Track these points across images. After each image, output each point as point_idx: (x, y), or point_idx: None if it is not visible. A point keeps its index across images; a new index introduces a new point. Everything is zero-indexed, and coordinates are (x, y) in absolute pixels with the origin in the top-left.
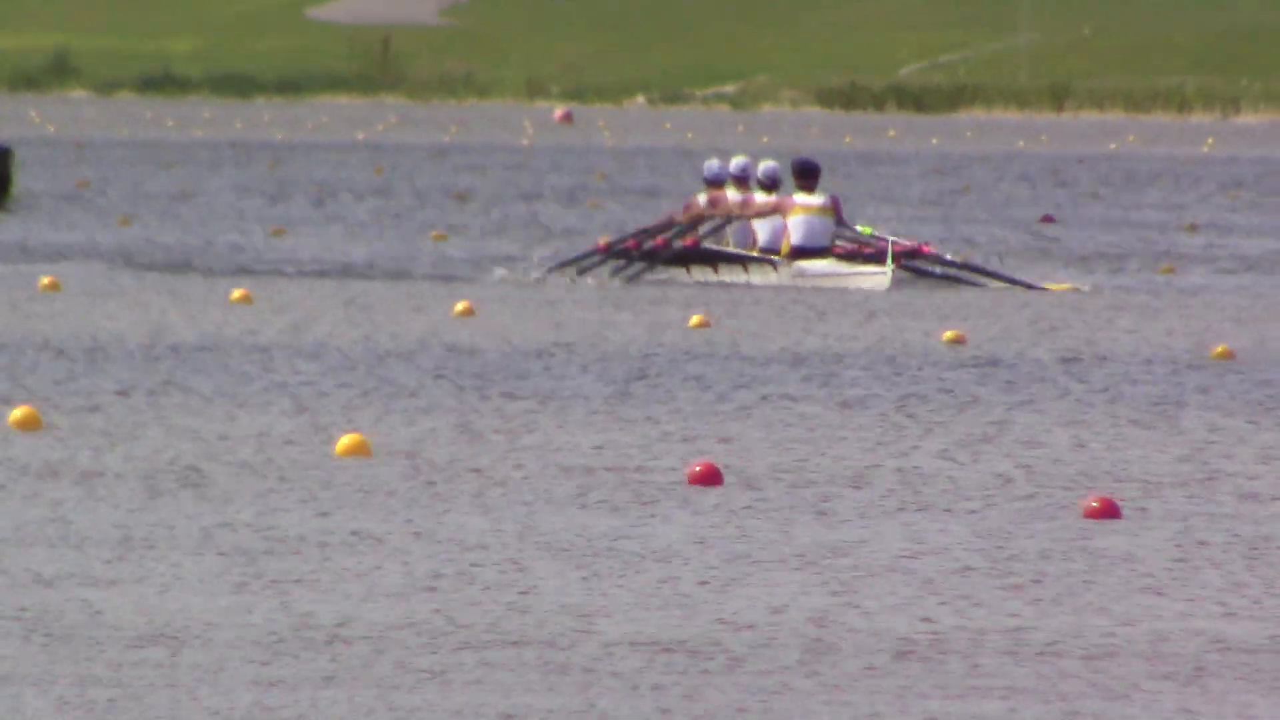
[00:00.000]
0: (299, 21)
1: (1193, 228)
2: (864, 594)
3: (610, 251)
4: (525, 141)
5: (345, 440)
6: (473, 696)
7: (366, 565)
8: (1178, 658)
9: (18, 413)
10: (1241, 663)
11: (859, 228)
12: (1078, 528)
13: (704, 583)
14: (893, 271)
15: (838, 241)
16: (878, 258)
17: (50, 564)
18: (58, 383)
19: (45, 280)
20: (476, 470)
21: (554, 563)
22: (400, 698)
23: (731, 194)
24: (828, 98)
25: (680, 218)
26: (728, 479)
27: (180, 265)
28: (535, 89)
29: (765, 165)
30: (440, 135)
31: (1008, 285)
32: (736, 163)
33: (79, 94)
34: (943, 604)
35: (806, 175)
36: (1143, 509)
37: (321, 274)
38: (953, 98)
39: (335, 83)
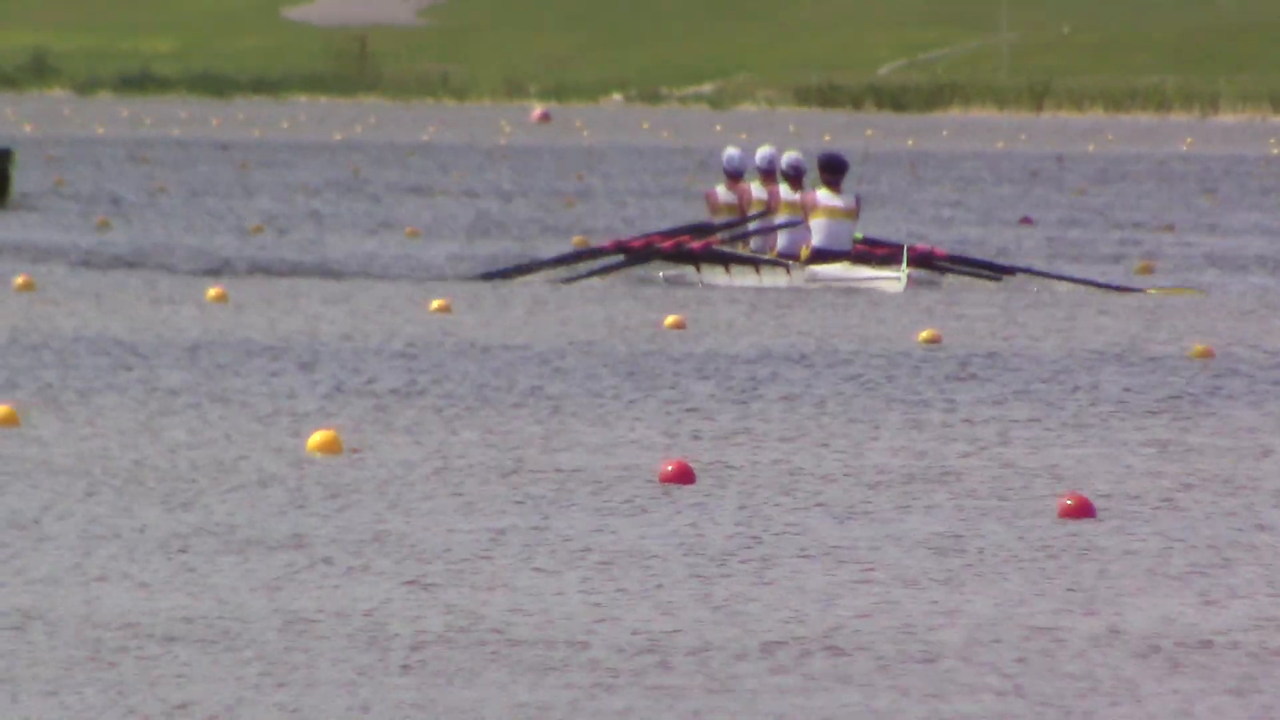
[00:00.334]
0: (276, 21)
1: (1169, 228)
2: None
3: (620, 250)
4: (502, 141)
5: (317, 437)
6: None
7: (339, 564)
8: (1156, 653)
9: None
10: (1215, 659)
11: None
12: (1053, 527)
13: (659, 586)
14: (908, 275)
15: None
16: (892, 260)
17: (41, 564)
18: (32, 378)
19: (19, 280)
20: (449, 469)
21: (521, 561)
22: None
23: (755, 188)
24: (805, 97)
25: (710, 213)
26: (701, 478)
27: (157, 264)
28: (513, 89)
29: (790, 156)
30: (418, 135)
31: (1032, 277)
32: (763, 154)
33: (58, 93)
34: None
35: (833, 170)
36: (1120, 508)
37: (297, 272)
38: (931, 97)
39: (312, 83)
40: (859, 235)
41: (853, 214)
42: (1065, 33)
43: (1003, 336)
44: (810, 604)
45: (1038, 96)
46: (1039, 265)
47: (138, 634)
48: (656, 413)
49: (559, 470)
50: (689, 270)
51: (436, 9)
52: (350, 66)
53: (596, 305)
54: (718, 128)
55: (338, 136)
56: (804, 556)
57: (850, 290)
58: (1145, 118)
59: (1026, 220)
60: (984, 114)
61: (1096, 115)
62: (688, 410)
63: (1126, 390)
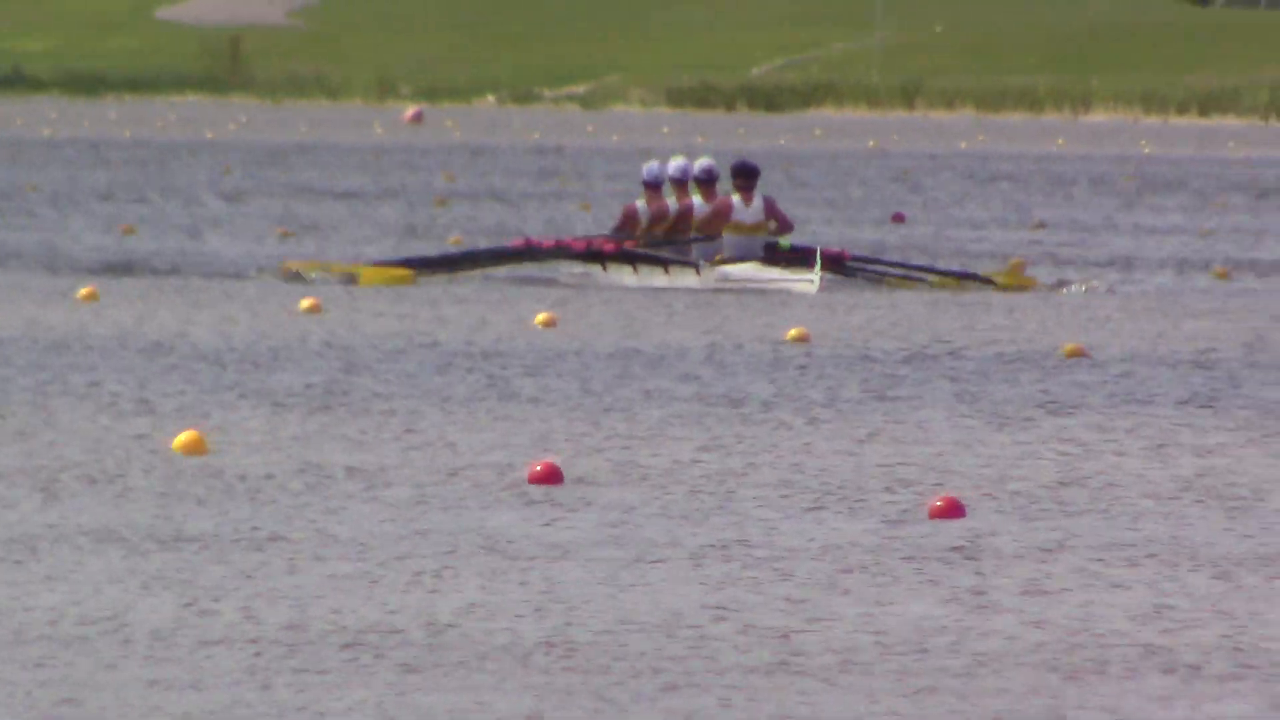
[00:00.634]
0: (150, 22)
1: (1040, 225)
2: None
3: (526, 250)
4: (375, 140)
5: (183, 438)
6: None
7: (196, 563)
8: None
9: None
10: (1124, 656)
11: (780, 241)
12: (924, 527)
13: (524, 583)
14: (820, 277)
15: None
16: (804, 262)
17: None
18: None
19: None
20: (315, 466)
21: (381, 557)
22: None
23: (671, 202)
24: (678, 98)
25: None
26: (568, 478)
27: (27, 263)
28: (385, 89)
29: (701, 162)
30: (290, 135)
31: (957, 280)
32: (675, 165)
33: None
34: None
35: (745, 175)
36: (990, 507)
37: (169, 272)
38: (804, 97)
39: (185, 83)
40: (786, 243)
41: (762, 228)
42: (937, 32)
43: (875, 333)
44: (657, 603)
45: (910, 96)
46: (923, 262)
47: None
48: (523, 411)
49: (417, 470)
50: (595, 270)
51: (309, 10)
52: (222, 67)
53: (469, 305)
54: (590, 129)
55: (210, 136)
56: (657, 562)
57: (758, 292)
58: (1017, 117)
59: (898, 217)
60: (857, 114)
61: (969, 114)
62: (551, 409)
63: (980, 385)
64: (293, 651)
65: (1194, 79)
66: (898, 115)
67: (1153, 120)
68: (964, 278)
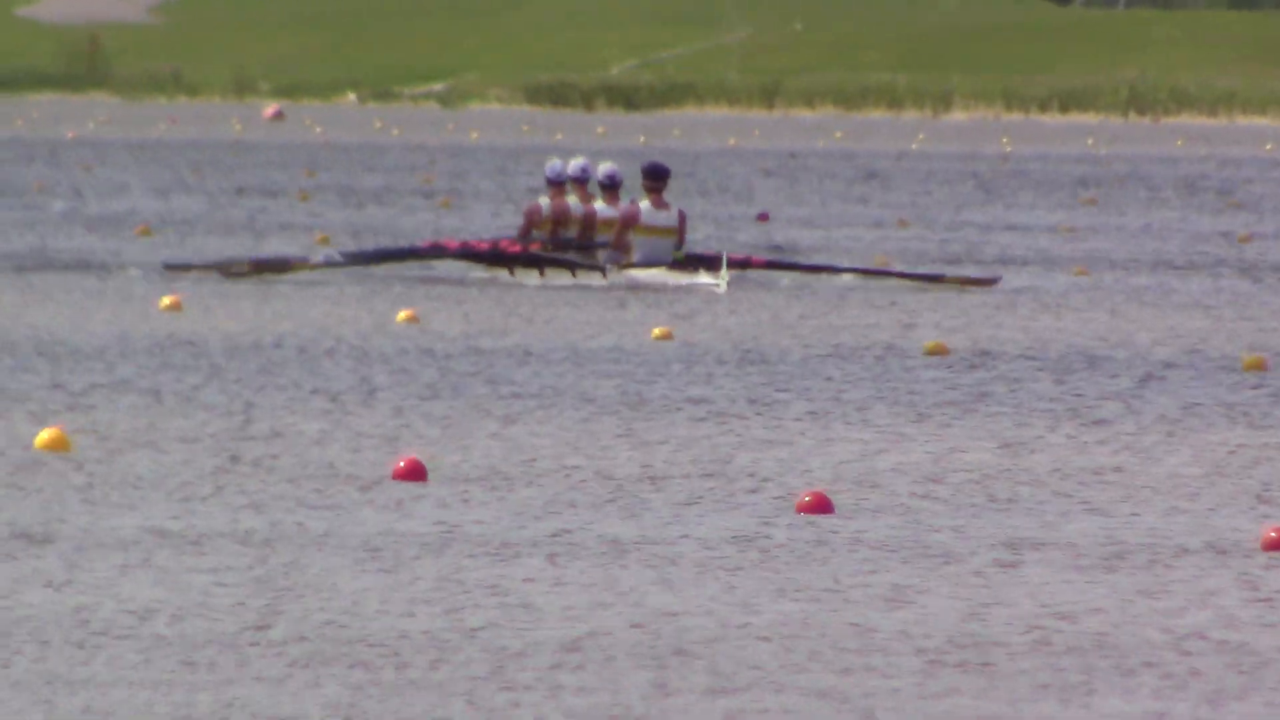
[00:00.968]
0: (8, 19)
1: (903, 223)
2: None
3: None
4: (234, 138)
5: (44, 435)
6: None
7: (55, 561)
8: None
9: None
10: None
11: (675, 254)
12: (791, 522)
13: (390, 574)
14: (727, 281)
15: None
16: (711, 265)
17: None
18: None
19: None
20: (163, 464)
21: (237, 553)
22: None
23: (574, 201)
24: (536, 96)
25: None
26: (432, 475)
27: None
28: (244, 86)
29: (605, 167)
30: (149, 132)
31: (862, 276)
32: (575, 164)
33: None
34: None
35: (655, 177)
36: (858, 503)
37: (26, 268)
38: (663, 96)
39: (43, 80)
40: (680, 255)
41: (673, 232)
42: (796, 30)
43: (748, 334)
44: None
45: (769, 95)
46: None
47: None
48: (388, 409)
49: (303, 465)
50: (502, 273)
51: (168, 7)
52: (81, 64)
53: (330, 302)
54: (450, 127)
55: (70, 134)
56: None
57: (651, 291)
58: (877, 115)
59: (763, 216)
60: (716, 112)
61: (828, 112)
62: (408, 404)
63: (844, 382)
64: None
65: (1053, 78)
66: (758, 114)
67: (1014, 117)
68: (875, 274)
